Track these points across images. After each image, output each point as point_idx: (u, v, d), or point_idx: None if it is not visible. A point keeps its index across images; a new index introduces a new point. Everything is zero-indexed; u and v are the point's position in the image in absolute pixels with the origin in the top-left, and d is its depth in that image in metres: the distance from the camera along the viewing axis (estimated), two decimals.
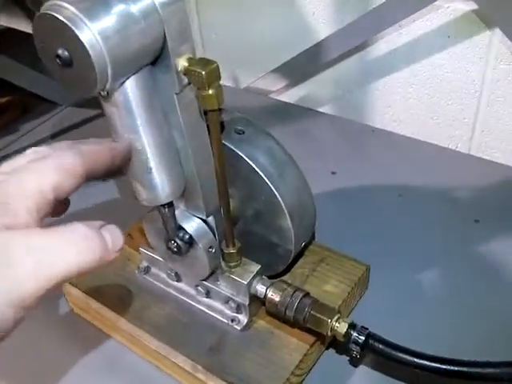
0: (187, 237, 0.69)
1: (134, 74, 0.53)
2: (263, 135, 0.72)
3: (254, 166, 0.69)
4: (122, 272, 0.84)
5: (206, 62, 0.55)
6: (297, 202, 0.72)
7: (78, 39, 0.47)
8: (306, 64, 1.21)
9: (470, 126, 1.10)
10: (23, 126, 1.29)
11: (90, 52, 0.47)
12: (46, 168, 0.49)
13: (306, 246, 0.81)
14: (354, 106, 1.23)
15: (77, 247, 0.46)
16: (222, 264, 0.73)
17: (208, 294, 0.77)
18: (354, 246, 0.85)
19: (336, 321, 0.67)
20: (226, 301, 0.75)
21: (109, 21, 0.48)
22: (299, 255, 0.81)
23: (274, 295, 0.70)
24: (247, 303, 0.73)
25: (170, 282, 0.81)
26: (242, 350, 0.72)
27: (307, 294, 0.70)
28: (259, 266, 0.73)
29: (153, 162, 0.59)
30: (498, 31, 0.97)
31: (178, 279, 0.79)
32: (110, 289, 0.82)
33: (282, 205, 0.70)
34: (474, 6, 0.97)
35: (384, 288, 0.83)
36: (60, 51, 0.49)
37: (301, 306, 0.69)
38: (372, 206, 0.99)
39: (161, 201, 0.63)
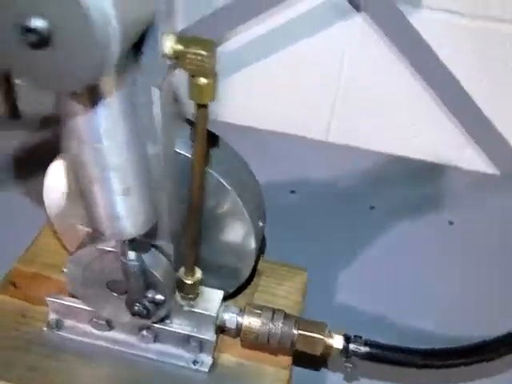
0: (161, 297, 0.54)
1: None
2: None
3: (216, 176, 0.56)
4: (19, 334, 0.63)
5: (203, 42, 0.42)
6: (257, 219, 0.62)
7: (80, 8, 0.30)
8: None
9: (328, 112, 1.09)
10: None
11: (95, 21, 0.31)
12: None
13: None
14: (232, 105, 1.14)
15: None
16: (178, 298, 0.59)
17: (156, 338, 0.62)
18: None
19: (328, 336, 0.59)
20: (185, 341, 0.61)
21: None
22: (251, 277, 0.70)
23: (251, 323, 0.59)
24: (213, 338, 0.60)
25: (97, 332, 0.63)
26: None
27: (286, 314, 0.61)
28: (222, 293, 0.61)
29: (127, 181, 0.44)
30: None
31: (110, 327, 0.63)
32: (14, 360, 0.61)
33: (251, 225, 0.59)
34: None
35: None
36: (32, 22, 0.31)
37: (286, 329, 0.59)
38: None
39: (133, 232, 0.47)
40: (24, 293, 0.67)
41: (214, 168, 0.56)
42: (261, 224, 0.63)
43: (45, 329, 0.64)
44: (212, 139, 0.58)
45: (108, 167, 0.42)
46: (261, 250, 0.74)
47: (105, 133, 0.40)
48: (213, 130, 0.55)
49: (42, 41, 0.32)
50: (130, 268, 0.52)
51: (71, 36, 0.31)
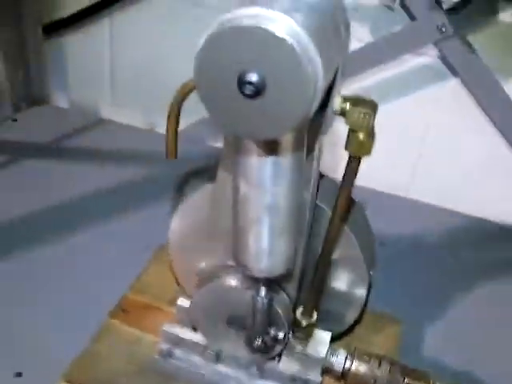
0: (281, 334, 0.57)
1: None
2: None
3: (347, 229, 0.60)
4: (135, 361, 0.67)
5: (366, 102, 0.46)
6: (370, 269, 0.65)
7: (297, 61, 0.35)
8: None
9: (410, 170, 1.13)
10: None
11: (310, 79, 0.35)
12: None
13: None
14: None
15: None
16: (290, 337, 0.62)
17: (262, 375, 0.64)
18: None
19: None
20: (291, 381, 0.63)
21: (323, 40, 0.37)
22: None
23: (359, 368, 0.62)
24: (319, 380, 0.63)
25: (206, 364, 0.66)
26: None
27: (393, 361, 0.63)
28: (330, 334, 0.64)
29: (286, 221, 0.48)
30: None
31: (218, 360, 0.66)
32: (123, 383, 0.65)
33: (367, 276, 0.62)
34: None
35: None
36: (249, 76, 0.36)
37: (392, 377, 0.61)
38: None
39: (280, 270, 0.51)
40: (135, 320, 0.71)
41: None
42: (371, 273, 0.66)
43: (157, 356, 0.67)
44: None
45: (270, 208, 0.46)
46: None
47: (274, 178, 0.45)
48: None
49: (258, 91, 0.37)
50: (259, 304, 0.55)
51: (283, 82, 0.36)
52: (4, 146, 1.11)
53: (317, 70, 0.36)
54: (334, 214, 0.52)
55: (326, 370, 0.64)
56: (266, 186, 0.45)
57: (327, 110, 0.45)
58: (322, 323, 0.65)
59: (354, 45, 1.01)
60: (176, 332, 0.66)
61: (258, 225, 0.47)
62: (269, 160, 0.43)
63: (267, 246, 0.49)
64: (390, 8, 0.98)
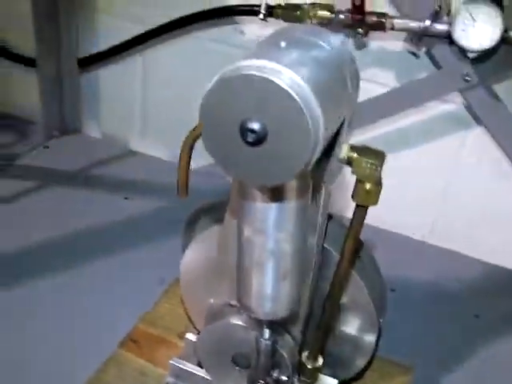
0: (285, 378, 0.57)
1: None
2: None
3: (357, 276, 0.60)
4: None
5: (374, 152, 0.47)
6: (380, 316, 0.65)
7: (300, 111, 0.36)
8: None
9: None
10: None
11: (311, 128, 0.37)
12: None
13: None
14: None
15: None
16: (295, 379, 0.62)
17: None
18: None
19: None
20: None
21: (325, 93, 0.38)
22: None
23: None
24: None
25: None
26: None
27: None
28: (336, 381, 0.63)
29: (289, 266, 0.48)
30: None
31: None
32: None
33: (376, 322, 0.62)
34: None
35: None
36: (252, 124, 0.38)
37: None
38: None
39: (282, 313, 0.51)
40: (144, 352, 0.72)
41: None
42: (381, 321, 0.66)
43: None
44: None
45: (273, 253, 0.47)
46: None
47: (277, 224, 0.45)
48: None
49: (259, 139, 0.38)
50: (262, 346, 0.55)
51: (284, 131, 0.37)
52: (34, 172, 1.15)
53: (317, 120, 0.37)
54: (341, 257, 0.52)
55: None
56: (268, 231, 0.46)
57: (332, 158, 0.46)
58: (330, 368, 0.65)
59: (378, 90, 1.02)
60: (183, 366, 0.66)
61: (260, 269, 0.48)
62: (272, 206, 0.44)
63: (270, 289, 0.49)
64: (415, 55, 0.99)
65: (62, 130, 1.28)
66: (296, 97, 0.36)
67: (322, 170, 0.47)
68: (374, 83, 1.02)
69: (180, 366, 0.67)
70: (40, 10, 1.13)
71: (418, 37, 0.94)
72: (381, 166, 0.47)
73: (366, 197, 0.47)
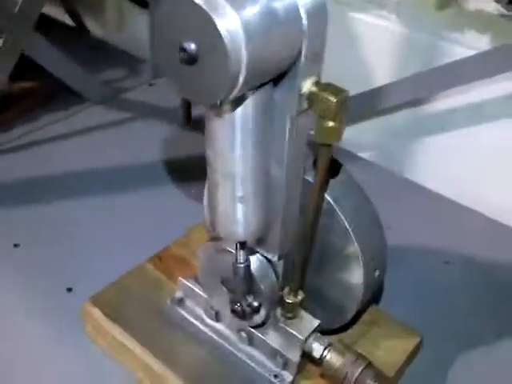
0: (256, 304, 0.61)
1: (256, 88, 0.46)
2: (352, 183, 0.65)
3: (338, 210, 0.61)
4: (151, 299, 0.75)
5: (336, 89, 0.48)
6: (373, 263, 0.65)
7: (217, 30, 0.39)
8: (355, 108, 1.15)
9: None
10: (44, 117, 1.19)
11: (229, 48, 0.39)
12: None
13: (360, 314, 0.73)
14: (396, 157, 1.18)
15: None
16: (278, 312, 0.65)
17: (251, 342, 0.68)
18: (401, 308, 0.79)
19: None
20: (273, 354, 0.66)
21: (254, 15, 0.41)
22: (353, 320, 0.73)
23: (333, 358, 0.62)
24: (297, 360, 0.65)
25: (207, 320, 0.72)
26: None
27: (369, 364, 0.62)
28: (318, 322, 0.65)
29: (244, 190, 0.51)
30: None
31: (218, 319, 0.71)
32: (137, 316, 0.73)
33: (361, 262, 0.62)
34: None
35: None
36: (186, 44, 0.41)
37: (363, 377, 0.61)
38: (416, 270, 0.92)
39: (241, 237, 0.55)
40: (166, 268, 0.79)
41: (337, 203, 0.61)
42: (377, 273, 0.66)
43: (168, 302, 0.74)
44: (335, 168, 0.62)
45: (230, 174, 0.50)
46: (375, 300, 0.77)
47: (233, 144, 0.48)
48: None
49: (191, 59, 0.41)
50: (237, 269, 0.59)
51: (211, 57, 0.40)
52: (135, 105, 1.27)
53: (239, 51, 0.40)
54: (312, 190, 0.54)
55: (306, 354, 0.65)
56: (221, 152, 0.49)
57: (291, 90, 0.47)
58: (324, 313, 0.67)
59: (468, 52, 0.97)
60: (189, 284, 0.72)
61: (218, 190, 0.52)
62: (220, 126, 0.47)
63: (229, 211, 0.53)
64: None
65: None
66: (220, 27, 0.39)
67: (278, 100, 0.49)
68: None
69: (188, 284, 0.73)
70: None
71: None
72: (340, 104, 0.47)
73: (326, 135, 0.48)
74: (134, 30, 1.51)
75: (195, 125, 0.59)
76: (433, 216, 1.04)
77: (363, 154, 1.21)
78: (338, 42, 1.12)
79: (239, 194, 0.51)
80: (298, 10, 0.44)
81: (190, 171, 1.03)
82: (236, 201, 0.52)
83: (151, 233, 0.91)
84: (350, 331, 0.72)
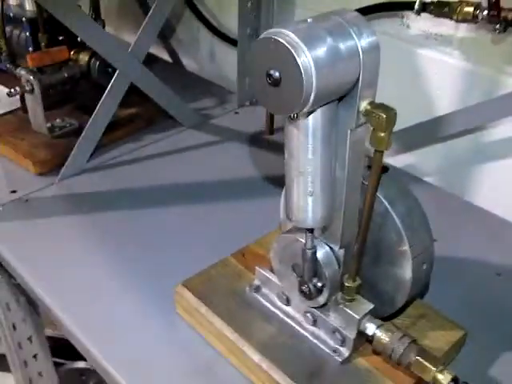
0: (320, 285, 0.74)
1: (323, 105, 0.61)
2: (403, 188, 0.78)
3: (391, 210, 0.74)
4: (232, 286, 0.90)
5: (386, 108, 0.61)
6: (421, 258, 0.76)
7: (296, 63, 0.54)
8: (420, 134, 1.27)
9: None
10: (146, 137, 1.39)
11: (303, 76, 0.54)
12: None
13: (409, 304, 0.84)
14: (459, 181, 1.27)
15: None
16: (338, 296, 0.77)
17: (315, 323, 0.81)
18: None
19: (440, 371, 0.70)
20: (333, 332, 0.79)
21: (323, 53, 0.55)
22: (401, 310, 0.84)
23: (383, 335, 0.74)
24: (353, 337, 0.77)
25: (279, 304, 0.85)
26: (339, 381, 0.76)
27: (414, 341, 0.73)
28: (372, 306, 0.77)
29: (314, 186, 0.65)
30: None
31: (288, 303, 0.84)
32: (220, 299, 0.88)
33: (410, 257, 0.74)
34: None
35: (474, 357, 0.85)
36: (272, 71, 0.56)
37: (408, 351, 0.72)
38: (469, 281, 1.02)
39: (310, 224, 0.69)
40: (247, 263, 0.94)
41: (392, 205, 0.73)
42: (425, 266, 0.77)
43: (247, 289, 0.89)
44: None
45: (304, 173, 0.65)
46: (422, 294, 0.87)
47: (306, 148, 0.63)
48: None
49: (276, 82, 0.56)
50: (306, 254, 0.72)
51: (290, 83, 0.56)
52: (221, 130, 1.45)
53: (310, 74, 0.54)
54: (367, 192, 0.67)
55: (361, 333, 0.77)
56: (296, 155, 0.63)
57: (349, 107, 0.61)
58: (377, 303, 0.78)
59: None
60: (265, 273, 0.86)
61: (293, 185, 0.66)
62: (296, 134, 0.62)
63: (301, 202, 0.67)
64: None
65: (252, 101, 1.55)
66: (295, 55, 0.54)
67: (346, 118, 0.63)
68: None
69: (263, 272, 0.87)
70: (245, 4, 1.40)
71: None
72: (389, 119, 0.60)
73: (378, 143, 0.62)
74: (223, 66, 1.71)
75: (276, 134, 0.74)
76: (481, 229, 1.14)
77: (426, 179, 1.31)
78: (406, 76, 1.27)
79: (310, 189, 0.65)
80: (357, 48, 0.58)
81: (267, 188, 1.19)
82: (307, 194, 0.66)
83: (235, 235, 1.05)
84: (399, 321, 0.83)
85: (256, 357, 0.79)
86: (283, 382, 0.76)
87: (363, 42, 0.58)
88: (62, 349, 1.63)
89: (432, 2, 1.10)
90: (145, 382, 0.82)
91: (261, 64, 0.58)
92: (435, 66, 1.23)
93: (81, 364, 1.84)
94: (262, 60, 0.57)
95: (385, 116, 0.60)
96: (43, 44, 1.30)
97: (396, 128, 0.62)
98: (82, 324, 0.90)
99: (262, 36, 0.57)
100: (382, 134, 0.61)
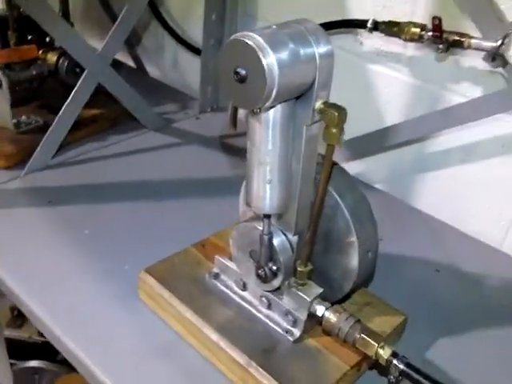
0: (275, 268, 0.81)
1: (283, 102, 0.68)
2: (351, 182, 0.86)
3: (341, 203, 0.82)
4: (193, 273, 0.96)
5: (338, 107, 0.69)
6: (367, 248, 0.84)
7: (261, 62, 0.62)
8: (370, 143, 1.36)
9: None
10: (110, 137, 1.44)
11: (267, 74, 0.62)
12: None
13: (355, 291, 0.92)
14: (404, 187, 1.38)
15: None
16: (292, 281, 0.85)
17: (269, 306, 0.88)
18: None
19: (381, 347, 0.78)
20: (285, 314, 0.86)
21: (285, 55, 0.63)
22: (347, 296, 0.92)
23: (331, 316, 0.82)
24: (304, 318, 0.84)
25: (236, 289, 0.92)
26: (291, 358, 0.83)
27: (359, 320, 0.81)
28: (322, 289, 0.84)
29: (273, 175, 0.73)
30: None
31: (245, 288, 0.91)
32: (182, 285, 0.93)
33: (357, 248, 0.82)
34: None
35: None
36: (239, 69, 0.64)
37: (353, 329, 0.80)
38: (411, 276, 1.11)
39: (267, 210, 0.76)
40: (207, 253, 1.00)
41: (340, 195, 0.81)
42: (370, 255, 0.85)
43: (207, 276, 0.95)
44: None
45: (263, 163, 0.72)
46: (367, 282, 0.96)
47: (267, 140, 0.70)
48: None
49: (242, 79, 0.64)
50: (263, 239, 0.79)
51: (255, 81, 0.63)
52: (182, 133, 1.51)
53: (272, 73, 0.62)
54: (319, 185, 0.75)
55: (311, 315, 0.84)
56: (257, 145, 0.71)
57: (308, 106, 0.69)
58: (326, 288, 0.86)
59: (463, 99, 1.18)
60: (224, 261, 0.93)
61: (253, 173, 0.73)
62: (257, 126, 0.69)
63: (260, 190, 0.74)
64: None
65: (213, 107, 1.63)
66: (260, 55, 0.61)
67: (298, 112, 0.70)
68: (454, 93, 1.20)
69: (222, 260, 0.93)
70: (210, 16, 1.48)
71: (491, 56, 1.09)
72: (340, 117, 0.68)
73: (330, 138, 0.70)
74: (186, 73, 1.78)
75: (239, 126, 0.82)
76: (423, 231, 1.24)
77: (377, 185, 1.41)
78: (358, 89, 1.36)
79: (268, 177, 0.73)
80: (315, 54, 0.66)
81: (224, 188, 1.26)
82: (266, 182, 0.73)
83: (193, 230, 1.11)
84: (346, 307, 0.91)
85: (214, 336, 0.85)
86: (240, 359, 0.82)
87: (320, 49, 0.67)
88: (14, 349, 1.66)
89: (383, 22, 1.20)
90: (106, 360, 0.87)
91: (229, 62, 0.65)
92: (385, 80, 1.33)
93: (33, 363, 1.85)
94: (231, 59, 0.65)
95: (336, 114, 0.68)
96: (12, 42, 1.34)
97: (348, 137, 0.71)
98: (46, 308, 0.94)
99: (232, 37, 0.64)
100: (334, 130, 0.69)
